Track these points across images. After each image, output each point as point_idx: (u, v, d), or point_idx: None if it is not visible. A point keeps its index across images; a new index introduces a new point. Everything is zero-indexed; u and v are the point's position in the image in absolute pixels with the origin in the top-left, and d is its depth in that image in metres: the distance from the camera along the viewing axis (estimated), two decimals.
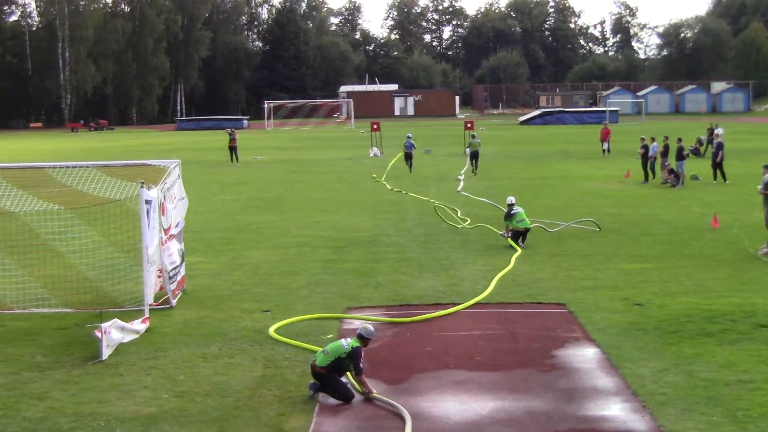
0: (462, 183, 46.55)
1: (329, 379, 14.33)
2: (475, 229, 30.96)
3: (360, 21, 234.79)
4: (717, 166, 46.19)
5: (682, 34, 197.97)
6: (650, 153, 46.81)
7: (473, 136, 56.60)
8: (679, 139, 46.23)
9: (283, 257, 26.40)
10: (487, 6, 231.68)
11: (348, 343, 14.54)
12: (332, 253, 26.85)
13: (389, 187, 45.21)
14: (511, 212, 27.77)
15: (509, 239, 27.61)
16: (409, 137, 57.28)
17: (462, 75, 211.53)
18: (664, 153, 46.41)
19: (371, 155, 67.47)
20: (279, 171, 56.60)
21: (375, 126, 71.21)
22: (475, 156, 53.74)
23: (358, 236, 29.92)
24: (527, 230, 27.63)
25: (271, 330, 17.89)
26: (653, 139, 48.04)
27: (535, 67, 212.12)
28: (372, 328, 14.87)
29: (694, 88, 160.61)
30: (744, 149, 66.34)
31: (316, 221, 33.65)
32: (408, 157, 55.45)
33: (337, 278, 23.05)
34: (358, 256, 26.36)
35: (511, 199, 28.44)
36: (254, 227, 32.52)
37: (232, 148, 64.44)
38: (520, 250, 26.44)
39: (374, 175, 51.20)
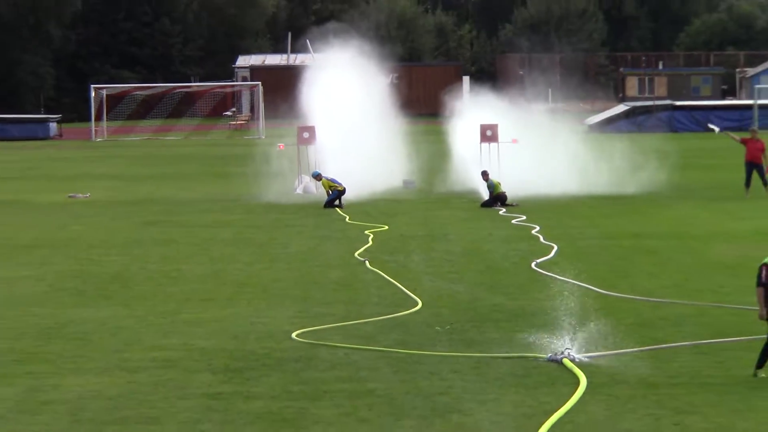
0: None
1: None
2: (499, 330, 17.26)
3: None
4: None
5: None
6: None
7: (485, 174, 36.46)
8: None
9: (127, 390, 14.52)
10: None
11: None
12: (223, 382, 14.90)
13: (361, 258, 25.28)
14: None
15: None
16: (317, 174, 37.42)
17: (476, 34, 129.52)
18: None
19: (297, 191, 39.89)
20: (120, 221, 33.61)
21: (306, 134, 40.52)
22: (500, 199, 35.79)
23: (273, 349, 16.78)
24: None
25: None
26: None
27: (617, 22, 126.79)
28: None
29: None
30: None
31: (192, 320, 18.96)
32: (338, 197, 36.21)
33: None
34: (274, 387, 14.62)
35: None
36: (72, 331, 18.24)
37: None
38: (584, 381, 13.99)
39: (363, 258, 25.20)
